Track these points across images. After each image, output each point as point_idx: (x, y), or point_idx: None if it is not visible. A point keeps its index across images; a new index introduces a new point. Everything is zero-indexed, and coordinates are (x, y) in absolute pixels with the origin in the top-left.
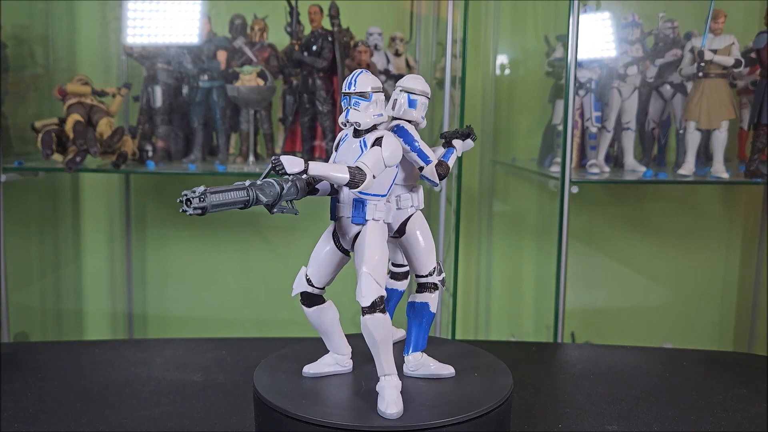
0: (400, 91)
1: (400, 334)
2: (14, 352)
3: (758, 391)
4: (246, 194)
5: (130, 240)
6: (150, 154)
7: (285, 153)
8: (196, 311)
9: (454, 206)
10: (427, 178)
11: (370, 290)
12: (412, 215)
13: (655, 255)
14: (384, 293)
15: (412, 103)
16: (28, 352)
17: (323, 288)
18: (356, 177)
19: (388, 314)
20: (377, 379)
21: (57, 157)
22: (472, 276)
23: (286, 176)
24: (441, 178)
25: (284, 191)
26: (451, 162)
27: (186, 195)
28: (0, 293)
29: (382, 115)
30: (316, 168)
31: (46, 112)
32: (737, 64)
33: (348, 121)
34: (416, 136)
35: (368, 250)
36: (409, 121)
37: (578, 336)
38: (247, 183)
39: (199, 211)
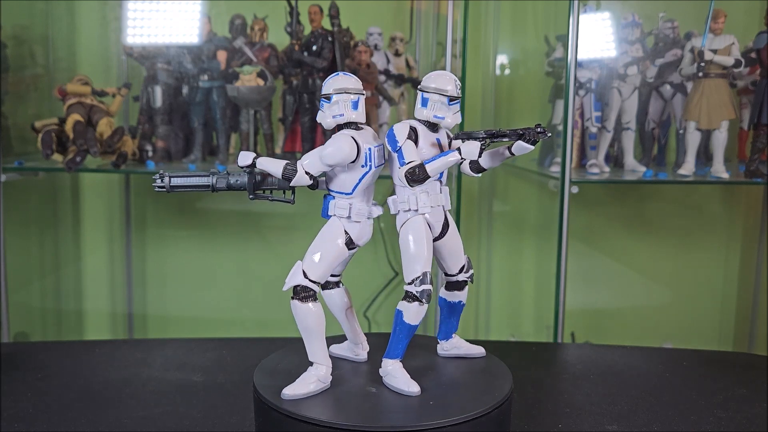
0: (417, 89)
1: (476, 350)
2: (14, 352)
3: (758, 391)
4: (207, 180)
5: (130, 240)
6: (150, 154)
7: (285, 153)
8: (195, 311)
9: (454, 206)
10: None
11: (291, 277)
12: (409, 218)
13: (655, 255)
14: (308, 285)
15: (424, 102)
16: (28, 352)
17: (335, 275)
18: (287, 172)
19: (311, 305)
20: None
21: (57, 157)
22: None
23: (245, 169)
24: (413, 181)
25: (238, 182)
26: (435, 165)
27: (154, 176)
28: (0, 293)
29: (342, 115)
30: (261, 162)
31: (46, 112)
32: (737, 64)
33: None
34: (402, 136)
35: (314, 242)
36: (425, 121)
37: (578, 336)
38: (210, 171)
39: (163, 189)
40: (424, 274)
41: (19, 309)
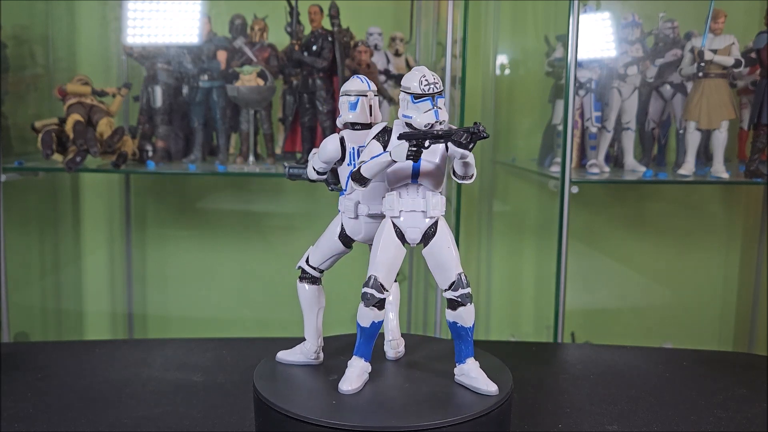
0: None
1: (483, 386)
2: (14, 352)
3: (758, 391)
4: (302, 171)
5: (130, 240)
6: (150, 154)
7: (285, 153)
8: (196, 311)
9: (454, 206)
10: None
11: (300, 259)
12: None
13: (655, 255)
14: (305, 267)
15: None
16: (28, 352)
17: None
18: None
19: (305, 286)
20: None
21: (57, 157)
22: (472, 276)
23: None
24: (354, 181)
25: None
26: (368, 165)
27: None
28: (0, 293)
29: (341, 117)
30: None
31: (46, 112)
32: (737, 64)
33: None
34: (369, 137)
35: (323, 233)
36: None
37: (578, 336)
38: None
39: (287, 177)
40: (370, 277)
41: (19, 309)
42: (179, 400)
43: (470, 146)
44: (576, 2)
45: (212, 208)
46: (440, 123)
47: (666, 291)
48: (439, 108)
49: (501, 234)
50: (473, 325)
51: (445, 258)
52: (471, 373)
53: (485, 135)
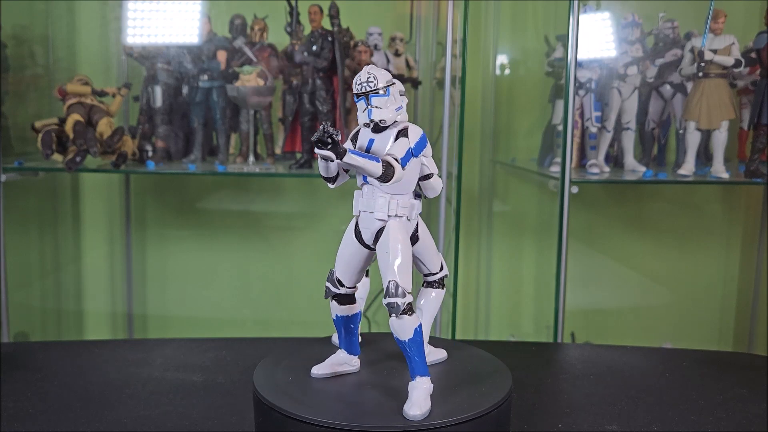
0: None
1: (408, 407)
2: (14, 352)
3: (758, 391)
4: None
5: (130, 240)
6: (150, 154)
7: (285, 153)
8: (196, 311)
9: (454, 206)
10: None
11: None
12: None
13: (655, 255)
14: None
15: None
16: (28, 352)
17: (426, 274)
18: None
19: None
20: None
21: (57, 157)
22: (472, 276)
23: None
24: (323, 179)
25: None
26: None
27: None
28: (0, 293)
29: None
30: None
31: (46, 112)
32: (737, 64)
33: None
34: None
35: None
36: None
37: (578, 336)
38: None
39: None
40: (329, 270)
41: (19, 309)
42: (179, 400)
43: (325, 148)
44: (576, 2)
45: (212, 208)
46: (381, 122)
47: (666, 291)
48: (376, 107)
49: (501, 234)
50: (411, 340)
51: (382, 262)
52: (411, 392)
53: (321, 138)
